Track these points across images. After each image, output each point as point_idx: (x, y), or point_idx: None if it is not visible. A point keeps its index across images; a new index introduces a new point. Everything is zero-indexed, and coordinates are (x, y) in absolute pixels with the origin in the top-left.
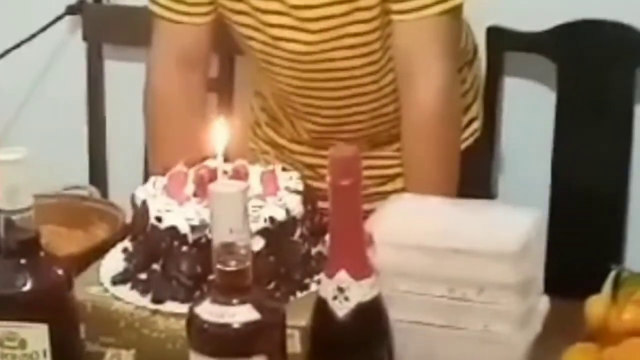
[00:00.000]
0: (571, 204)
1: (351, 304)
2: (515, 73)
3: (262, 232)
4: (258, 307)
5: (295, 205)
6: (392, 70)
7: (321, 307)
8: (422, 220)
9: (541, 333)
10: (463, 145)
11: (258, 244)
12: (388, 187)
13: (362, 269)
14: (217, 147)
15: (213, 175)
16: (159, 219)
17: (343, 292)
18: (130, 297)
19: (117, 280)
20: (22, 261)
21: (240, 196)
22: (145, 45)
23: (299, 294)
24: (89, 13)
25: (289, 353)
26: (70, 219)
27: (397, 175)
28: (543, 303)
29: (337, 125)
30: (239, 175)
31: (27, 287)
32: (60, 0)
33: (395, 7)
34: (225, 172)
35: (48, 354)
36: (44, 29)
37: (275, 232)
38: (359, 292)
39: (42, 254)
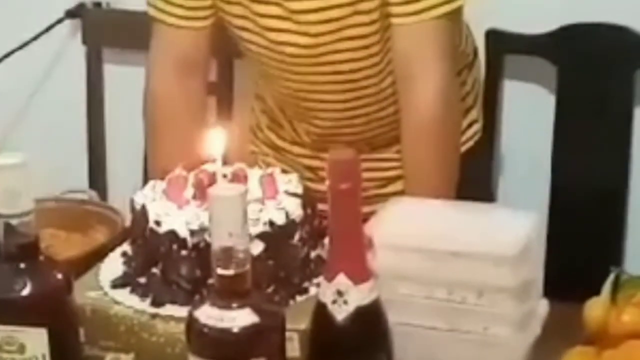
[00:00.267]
0: (571, 207)
1: (350, 308)
2: (515, 76)
3: (262, 236)
4: (257, 311)
5: (295, 209)
6: (391, 73)
7: (320, 311)
8: (422, 223)
9: (540, 336)
10: (463, 148)
11: (257, 247)
12: (388, 190)
13: (361, 273)
14: (216, 151)
15: (212, 179)
16: (158, 223)
17: (342, 296)
18: (129, 301)
19: (117, 284)
20: (22, 265)
21: (240, 200)
22: (145, 49)
23: (298, 298)
24: (89, 17)
25: (288, 357)
26: (70, 223)
27: (397, 177)
28: (542, 306)
29: (337, 127)
30: (238, 178)
31: (27, 291)
32: (60, 4)
33: (395, 10)
34: (224, 176)
35: (47, 358)
36: (43, 33)
37: (275, 236)
38: (358, 296)
39: (41, 258)
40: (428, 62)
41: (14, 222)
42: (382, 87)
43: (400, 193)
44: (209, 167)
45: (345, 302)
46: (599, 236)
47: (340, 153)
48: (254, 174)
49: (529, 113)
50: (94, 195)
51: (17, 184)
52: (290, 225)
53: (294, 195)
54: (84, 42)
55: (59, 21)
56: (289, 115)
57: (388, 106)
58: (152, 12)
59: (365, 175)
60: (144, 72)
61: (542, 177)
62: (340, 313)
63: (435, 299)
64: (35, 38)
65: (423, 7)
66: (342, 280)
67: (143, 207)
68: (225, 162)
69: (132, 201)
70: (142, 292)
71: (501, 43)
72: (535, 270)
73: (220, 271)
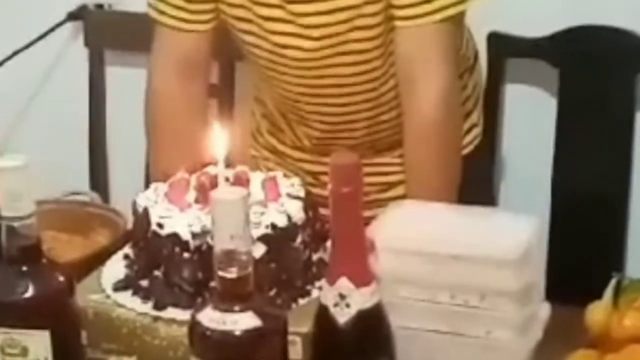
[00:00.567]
0: (572, 210)
1: (352, 311)
2: (516, 79)
3: (264, 239)
4: (260, 314)
5: (297, 212)
6: (393, 77)
7: (322, 314)
8: (423, 227)
9: (542, 339)
10: (464, 152)
11: (259, 250)
12: (389, 194)
13: (363, 276)
14: (219, 154)
15: (214, 182)
16: (160, 226)
17: (344, 299)
18: (131, 304)
19: (119, 287)
20: (24, 268)
21: (242, 203)
22: (147, 51)
23: (300, 301)
24: (91, 19)
25: None
26: (72, 225)
27: (398, 182)
28: (544, 309)
29: (338, 131)
30: (241, 181)
31: (29, 294)
32: (62, 6)
33: (398, 13)
34: (226, 179)
35: None
36: (45, 35)
37: (277, 239)
38: (360, 299)
39: (43, 260)
40: (431, 65)
41: (15, 224)
42: (383, 91)
43: (401, 198)
44: (211, 170)
45: (348, 306)
46: (600, 240)
47: (342, 157)
48: (256, 177)
49: (531, 116)
50: (95, 197)
51: (18, 187)
52: (292, 228)
53: (296, 198)
54: (86, 44)
55: (61, 23)
56: (290, 119)
57: (389, 110)
58: (154, 14)
59: (366, 179)
60: (146, 74)
61: (544, 181)
62: (343, 316)
63: (436, 303)
64: (37, 40)
65: (426, 10)
66: (344, 283)
67: (145, 209)
68: (227, 165)
69: (134, 204)
70: (144, 295)
71: (503, 46)
72: (537, 274)
73: (222, 274)
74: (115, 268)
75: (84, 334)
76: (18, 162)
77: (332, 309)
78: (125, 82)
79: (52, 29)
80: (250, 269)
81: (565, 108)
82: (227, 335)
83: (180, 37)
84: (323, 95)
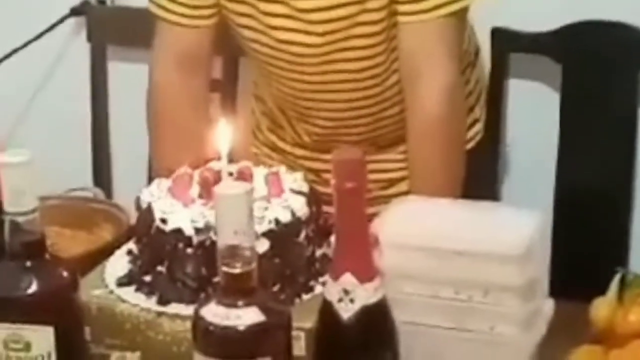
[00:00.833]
0: (576, 205)
1: (356, 307)
2: (519, 74)
3: (267, 234)
4: (263, 309)
5: (300, 207)
6: (396, 72)
7: (326, 310)
8: (427, 222)
9: (547, 335)
10: (466, 147)
11: (263, 245)
12: (391, 191)
13: (367, 272)
14: (222, 149)
15: (218, 177)
16: (164, 221)
17: (348, 295)
18: (135, 299)
19: (122, 282)
20: (28, 263)
21: (245, 198)
22: (149, 47)
23: (304, 296)
24: (93, 14)
25: (294, 355)
26: (75, 221)
27: (401, 179)
28: (548, 305)
29: (340, 127)
30: (244, 176)
31: (33, 289)
32: (64, 2)
33: (402, 8)
34: (230, 174)
35: (53, 356)
36: (48, 30)
37: (280, 234)
38: (364, 295)
39: (47, 256)
40: (435, 61)
41: (19, 220)
42: (386, 87)
43: (404, 194)
44: (214, 165)
45: (352, 301)
46: (604, 235)
47: (345, 152)
48: (260, 172)
49: (534, 111)
50: (99, 193)
51: (22, 182)
52: (296, 223)
53: (300, 193)
54: (89, 39)
55: (64, 19)
56: (291, 116)
57: (391, 106)
58: (155, 9)
59: (369, 176)
60: (148, 70)
61: (547, 176)
62: (347, 312)
63: (440, 298)
64: (40, 35)
65: (430, 5)
66: (348, 279)
67: (149, 205)
68: (230, 160)
69: (137, 199)
70: (147, 290)
71: (506, 41)
72: (541, 269)
73: (226, 269)
74: (118, 263)
75: (87, 329)
76: (22, 158)
77: (336, 305)
78: (128, 77)
79: (54, 25)
80: (254, 264)
81: (568, 103)
82: (230, 330)
83: (182, 32)
84: (325, 91)
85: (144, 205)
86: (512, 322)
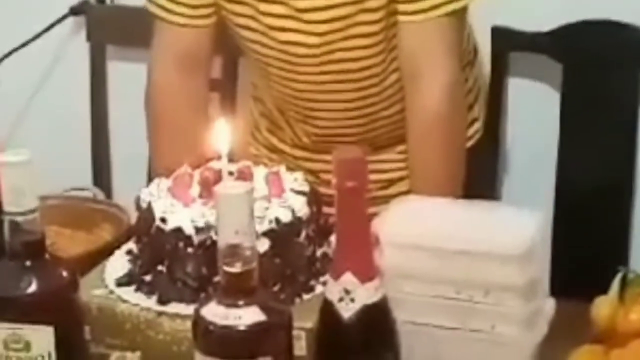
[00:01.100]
0: (576, 205)
1: (357, 306)
2: (520, 73)
3: (268, 234)
4: (264, 309)
5: (301, 207)
6: (395, 72)
7: (327, 309)
8: (428, 222)
9: (548, 334)
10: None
11: (263, 245)
12: (391, 191)
13: (367, 271)
14: (222, 149)
15: (218, 177)
16: (164, 221)
17: (349, 294)
18: (135, 299)
19: (122, 282)
20: (28, 263)
21: (246, 197)
22: (148, 46)
23: (304, 296)
24: (93, 14)
25: (295, 355)
26: (75, 221)
27: (400, 179)
28: (549, 304)
29: (339, 127)
30: (244, 176)
31: (32, 289)
32: (64, 1)
33: (403, 8)
34: (230, 173)
35: (53, 356)
36: (47, 30)
37: (281, 234)
38: (364, 294)
39: (47, 256)
40: (435, 60)
41: (19, 219)
42: (385, 86)
43: (403, 194)
44: (214, 164)
45: (352, 301)
46: (605, 234)
47: (346, 151)
48: (260, 172)
49: (534, 110)
50: (98, 192)
51: (22, 182)
52: (297, 223)
53: (300, 193)
54: (88, 39)
55: (63, 18)
56: (289, 117)
57: (390, 105)
58: (154, 9)
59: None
60: (147, 69)
61: (548, 175)
62: (347, 311)
63: (441, 298)
64: (39, 35)
65: (430, 5)
66: (348, 278)
67: (149, 204)
68: (230, 160)
69: (137, 199)
70: (148, 290)
71: (506, 40)
72: (542, 269)
73: (226, 269)
74: (118, 263)
75: (87, 329)
76: (21, 157)
77: (337, 304)
78: (128, 77)
79: (54, 24)
80: (254, 263)
81: (568, 102)
82: (231, 330)
83: (180, 32)
84: (324, 92)
85: (144, 205)
86: (513, 322)
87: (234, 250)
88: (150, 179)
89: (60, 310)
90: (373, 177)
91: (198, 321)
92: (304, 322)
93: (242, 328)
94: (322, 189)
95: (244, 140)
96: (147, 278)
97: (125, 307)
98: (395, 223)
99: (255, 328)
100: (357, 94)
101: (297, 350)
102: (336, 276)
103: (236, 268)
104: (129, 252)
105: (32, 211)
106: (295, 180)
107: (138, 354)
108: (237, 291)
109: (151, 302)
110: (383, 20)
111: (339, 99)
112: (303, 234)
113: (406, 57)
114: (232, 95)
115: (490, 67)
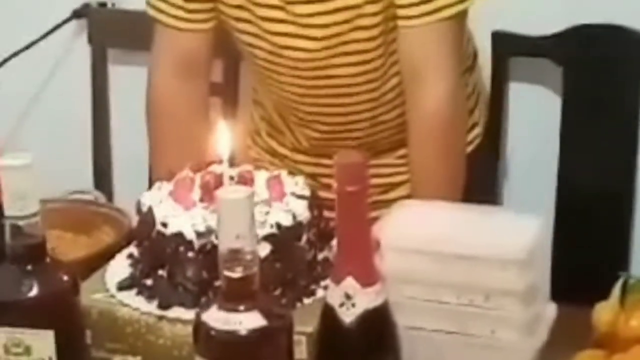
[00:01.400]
0: (578, 209)
1: (358, 311)
2: (520, 77)
3: (269, 238)
4: (265, 314)
5: (302, 211)
6: (394, 76)
7: (328, 314)
8: (429, 226)
9: (548, 340)
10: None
11: (264, 249)
12: (391, 195)
13: (369, 276)
14: (223, 153)
15: (219, 181)
16: (164, 225)
17: (350, 299)
18: (136, 303)
19: (123, 286)
20: (29, 267)
21: (247, 202)
22: (150, 50)
23: (305, 300)
24: (94, 17)
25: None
26: (76, 224)
27: (400, 183)
28: (550, 309)
29: (339, 132)
30: (245, 180)
31: (33, 293)
32: (65, 4)
33: (402, 12)
34: (231, 178)
35: None
36: (49, 33)
37: (282, 238)
38: (366, 299)
39: (48, 259)
40: (436, 64)
41: (21, 223)
42: (384, 91)
43: (403, 199)
44: (215, 169)
45: (353, 305)
46: (605, 239)
47: (347, 155)
48: (261, 176)
49: (535, 115)
50: (99, 196)
51: (23, 185)
52: (297, 227)
53: (301, 197)
54: (90, 42)
55: (65, 21)
56: (289, 121)
57: (389, 110)
58: (153, 13)
59: None
60: (147, 73)
61: (548, 180)
62: (348, 316)
63: (442, 302)
64: (41, 38)
65: (430, 9)
66: (350, 283)
67: (150, 208)
68: (231, 164)
69: (138, 203)
70: (148, 294)
71: (507, 45)
72: (542, 274)
73: (227, 273)
74: (119, 267)
75: (88, 333)
76: (23, 161)
77: (338, 309)
78: (129, 80)
79: (55, 27)
80: (255, 268)
81: (569, 106)
82: (232, 334)
83: (180, 37)
84: (323, 96)
85: (145, 209)
86: (514, 327)
87: (235, 255)
88: (151, 183)
89: (61, 315)
90: (373, 181)
91: (199, 326)
92: (305, 326)
93: (243, 333)
94: (322, 193)
95: (244, 144)
96: (148, 282)
97: (126, 311)
98: (396, 227)
99: (256, 333)
100: (356, 99)
101: (298, 355)
102: (337, 281)
103: (237, 273)
104: (130, 256)
105: (34, 215)
106: (296, 184)
107: (139, 358)
108: (238, 296)
109: (152, 307)
110: (382, 24)
111: (339, 103)
112: (304, 239)
113: (406, 61)
114: (233, 99)
115: (491, 72)
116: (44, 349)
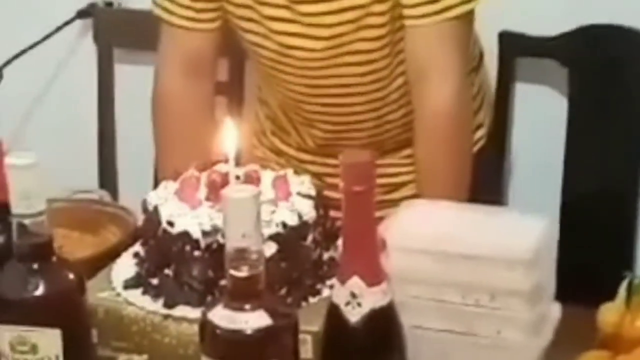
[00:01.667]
0: (583, 210)
1: (364, 310)
2: (526, 78)
3: (274, 237)
4: (270, 313)
5: (308, 210)
6: (400, 76)
7: (334, 313)
8: (435, 226)
9: (554, 340)
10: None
11: (270, 249)
12: (396, 195)
13: (375, 275)
14: (229, 152)
15: (225, 180)
16: (170, 224)
17: (356, 298)
18: (142, 302)
19: (129, 285)
20: (35, 266)
21: (253, 201)
22: (155, 49)
23: (311, 299)
24: (100, 17)
25: (301, 359)
26: (82, 223)
27: (405, 183)
28: (555, 310)
29: (344, 131)
30: (251, 180)
31: (40, 291)
32: (71, 4)
33: (408, 12)
34: (237, 177)
35: (60, 359)
36: (55, 33)
37: (288, 237)
38: (371, 298)
39: (54, 258)
40: (442, 63)
41: (27, 222)
42: (390, 90)
43: (409, 198)
44: (221, 168)
45: (359, 305)
46: (611, 239)
47: (354, 155)
48: (267, 176)
49: (541, 115)
50: (105, 195)
51: (29, 184)
52: (303, 226)
53: (307, 196)
54: (95, 41)
55: (71, 21)
56: (295, 120)
57: (395, 109)
58: (159, 12)
59: None
60: (153, 73)
61: (554, 180)
62: (354, 315)
63: (447, 302)
64: (47, 37)
65: (437, 9)
66: (355, 282)
67: (155, 208)
68: (237, 163)
69: (144, 202)
70: (154, 293)
71: (513, 45)
72: (548, 274)
73: (233, 272)
74: (125, 266)
75: (94, 332)
76: (29, 160)
77: (344, 308)
78: (134, 79)
79: (61, 27)
80: (261, 267)
81: (575, 107)
82: (237, 333)
83: (186, 36)
84: (328, 96)
85: (151, 208)
86: (519, 327)
87: (241, 254)
88: (156, 182)
89: (67, 313)
90: (379, 181)
91: (205, 325)
92: (311, 325)
93: (248, 332)
94: (328, 193)
95: (250, 143)
96: (154, 281)
97: (132, 310)
98: (402, 227)
99: (262, 332)
100: (363, 98)
101: (303, 354)
102: (343, 280)
103: (243, 272)
104: (136, 254)
105: (40, 213)
106: (302, 183)
107: (144, 357)
108: (243, 295)
109: (158, 305)
110: (388, 24)
111: (343, 102)
112: (310, 238)
113: (414, 60)
114: (239, 98)
115: (497, 72)
116: (50, 347)
